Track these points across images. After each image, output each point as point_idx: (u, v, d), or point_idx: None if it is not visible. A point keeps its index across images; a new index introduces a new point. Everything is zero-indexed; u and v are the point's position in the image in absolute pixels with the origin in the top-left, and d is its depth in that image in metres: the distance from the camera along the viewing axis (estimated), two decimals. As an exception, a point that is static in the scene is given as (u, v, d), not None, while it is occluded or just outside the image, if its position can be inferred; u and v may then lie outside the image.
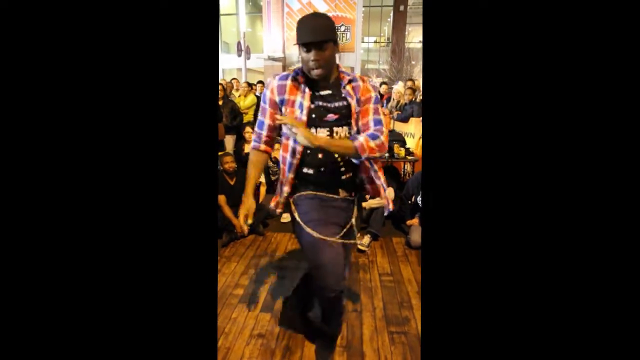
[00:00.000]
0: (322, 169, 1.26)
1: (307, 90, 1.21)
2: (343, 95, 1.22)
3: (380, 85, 5.37)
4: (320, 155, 1.24)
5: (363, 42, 15.28)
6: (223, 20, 14.81)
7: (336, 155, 1.23)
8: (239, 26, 12.10)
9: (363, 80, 1.25)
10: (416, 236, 2.65)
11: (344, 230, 1.32)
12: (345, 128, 1.23)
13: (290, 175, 1.31)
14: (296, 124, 1.11)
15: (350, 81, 1.24)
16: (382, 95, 4.89)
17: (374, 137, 1.17)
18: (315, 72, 1.16)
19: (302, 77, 1.22)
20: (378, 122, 1.21)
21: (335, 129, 1.22)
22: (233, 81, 5.53)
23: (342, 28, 13.07)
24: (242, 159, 3.54)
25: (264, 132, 1.31)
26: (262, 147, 1.33)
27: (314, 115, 1.21)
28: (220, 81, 4.52)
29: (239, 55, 11.14)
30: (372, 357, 1.59)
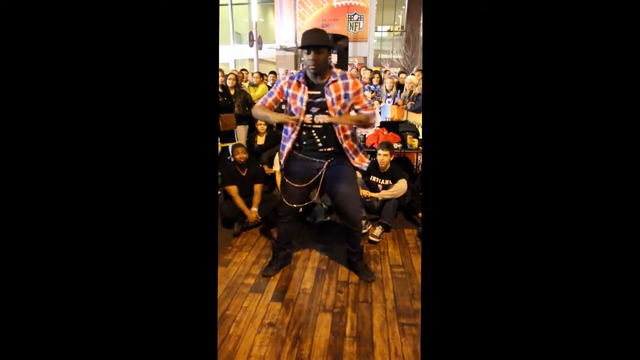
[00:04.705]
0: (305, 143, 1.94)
1: (306, 89, 1.80)
2: (325, 94, 1.80)
3: (399, 74, 5.44)
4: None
5: (376, 31, 15.02)
6: (235, 10, 14.75)
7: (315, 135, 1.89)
8: (250, 16, 12.04)
9: (353, 77, 1.82)
10: (428, 228, 2.62)
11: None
12: (323, 115, 1.83)
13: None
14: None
15: (335, 80, 1.78)
16: (400, 86, 4.80)
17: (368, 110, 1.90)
18: (313, 71, 1.74)
19: (303, 79, 1.80)
20: (368, 103, 1.90)
21: (315, 116, 1.83)
22: (243, 72, 5.53)
23: (355, 17, 12.85)
24: (254, 150, 3.53)
25: (270, 99, 1.90)
26: (267, 104, 1.91)
27: (307, 106, 1.82)
28: (232, 71, 4.51)
29: (251, 46, 11.12)
30: (382, 347, 1.59)
